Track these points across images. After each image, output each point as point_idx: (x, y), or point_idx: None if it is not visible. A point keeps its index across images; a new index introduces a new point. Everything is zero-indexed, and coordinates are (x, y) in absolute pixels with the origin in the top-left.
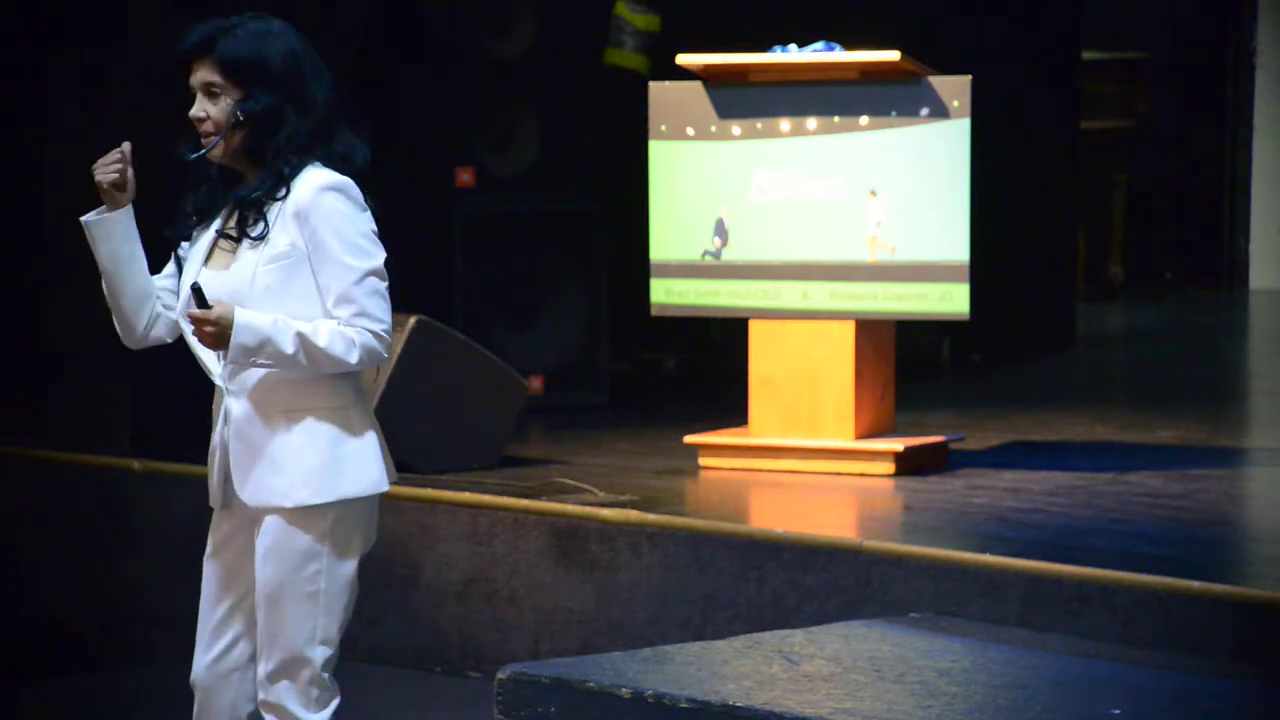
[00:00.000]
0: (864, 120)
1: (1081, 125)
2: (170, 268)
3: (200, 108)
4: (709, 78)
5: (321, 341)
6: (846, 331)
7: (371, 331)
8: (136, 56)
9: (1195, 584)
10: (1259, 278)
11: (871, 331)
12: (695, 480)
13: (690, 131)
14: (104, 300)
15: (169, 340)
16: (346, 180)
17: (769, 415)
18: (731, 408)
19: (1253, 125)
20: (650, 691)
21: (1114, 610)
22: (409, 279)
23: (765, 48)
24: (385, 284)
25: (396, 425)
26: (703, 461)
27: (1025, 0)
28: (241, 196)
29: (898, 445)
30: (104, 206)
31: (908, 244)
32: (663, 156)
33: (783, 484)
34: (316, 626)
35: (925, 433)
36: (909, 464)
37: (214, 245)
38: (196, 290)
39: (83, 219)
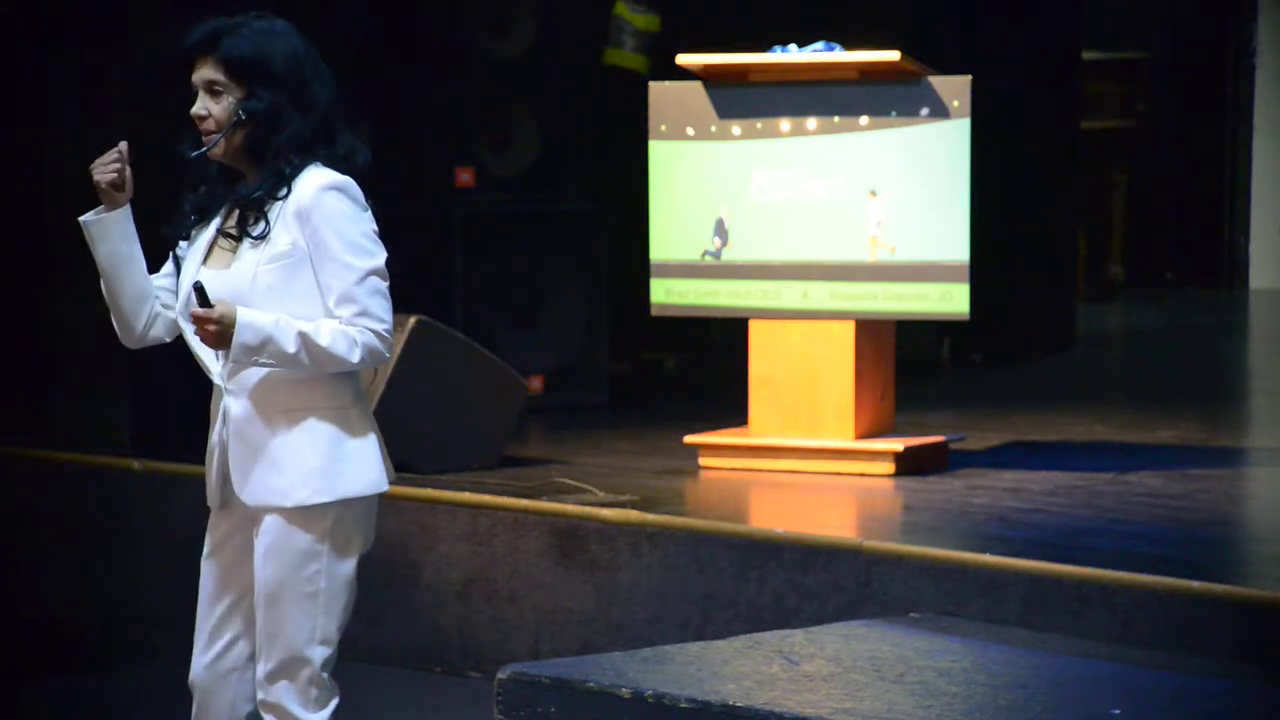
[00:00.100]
0: (864, 120)
1: (1081, 125)
2: (168, 267)
3: (202, 105)
4: (709, 78)
5: (324, 341)
6: (846, 331)
7: (373, 331)
8: (136, 56)
9: (1195, 584)
10: (1259, 278)
11: (871, 331)
12: (695, 480)
13: (690, 131)
14: (104, 300)
15: (167, 340)
16: (348, 180)
17: (769, 415)
18: (731, 408)
19: (1253, 125)
20: (650, 691)
21: (1114, 610)
22: (409, 279)
23: (765, 48)
24: (386, 284)
25: (396, 425)
26: (703, 461)
27: (1025, 0)
28: (242, 196)
29: (898, 445)
30: (102, 206)
31: (908, 244)
32: (663, 156)
33: (783, 484)
34: (316, 626)
35: (925, 433)
36: (909, 464)
37: (213, 244)
38: (199, 289)
39: (81, 219)
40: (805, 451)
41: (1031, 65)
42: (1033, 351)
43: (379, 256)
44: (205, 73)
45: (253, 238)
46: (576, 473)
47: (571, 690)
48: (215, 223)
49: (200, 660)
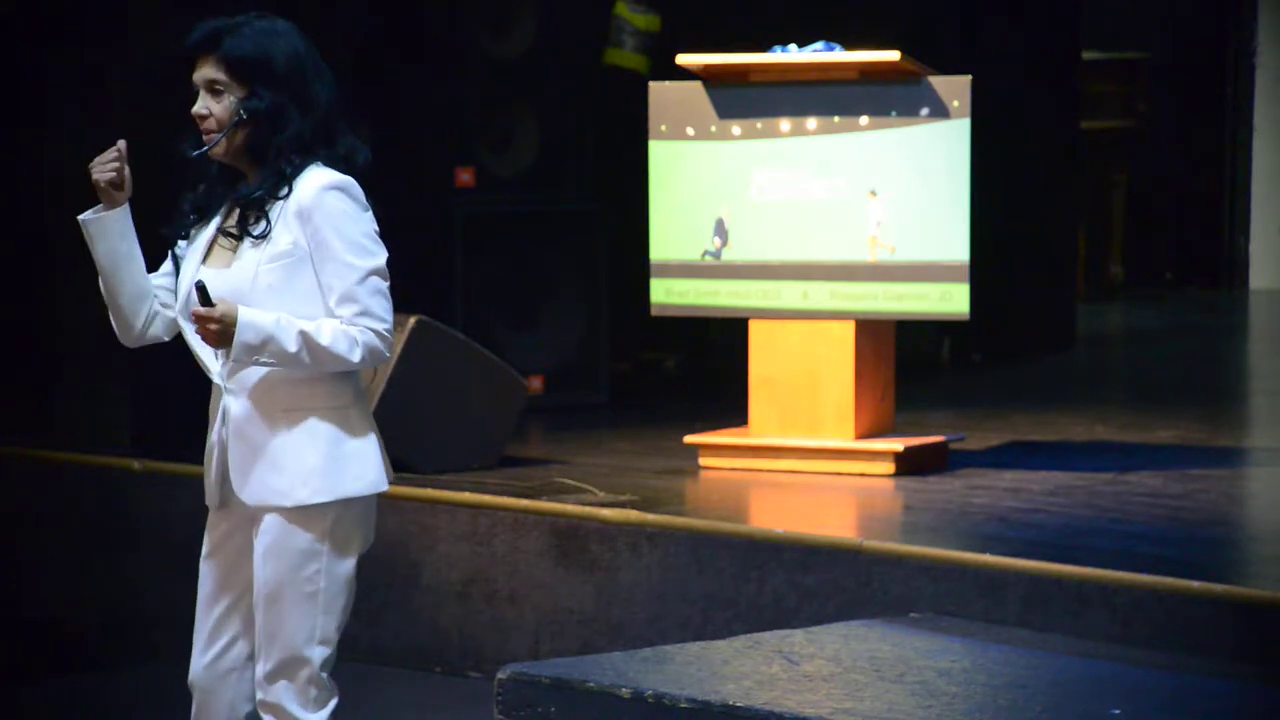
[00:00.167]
0: (864, 120)
1: (1081, 125)
2: (167, 266)
3: (203, 105)
4: (709, 78)
5: (325, 340)
6: (846, 331)
7: (374, 331)
8: (136, 56)
9: (1195, 584)
10: (1259, 278)
11: (871, 331)
12: (695, 480)
13: (690, 131)
14: (103, 300)
15: (166, 339)
16: (349, 180)
17: (769, 415)
18: (731, 408)
19: (1253, 125)
20: (650, 691)
21: (1114, 610)
22: (409, 279)
23: (765, 48)
24: (387, 283)
25: (396, 425)
26: (703, 461)
27: (1025, 0)
28: (243, 195)
29: (898, 445)
30: (101, 205)
31: (908, 244)
32: (663, 156)
33: (783, 484)
34: (315, 626)
35: (925, 433)
36: (909, 464)
37: (213, 243)
38: (201, 288)
39: (80, 217)
40: (805, 451)
41: (1031, 65)
42: (1033, 351)
43: (380, 256)
44: (206, 72)
45: (254, 237)
46: (576, 473)
47: (571, 690)
48: (215, 222)
49: (199, 660)
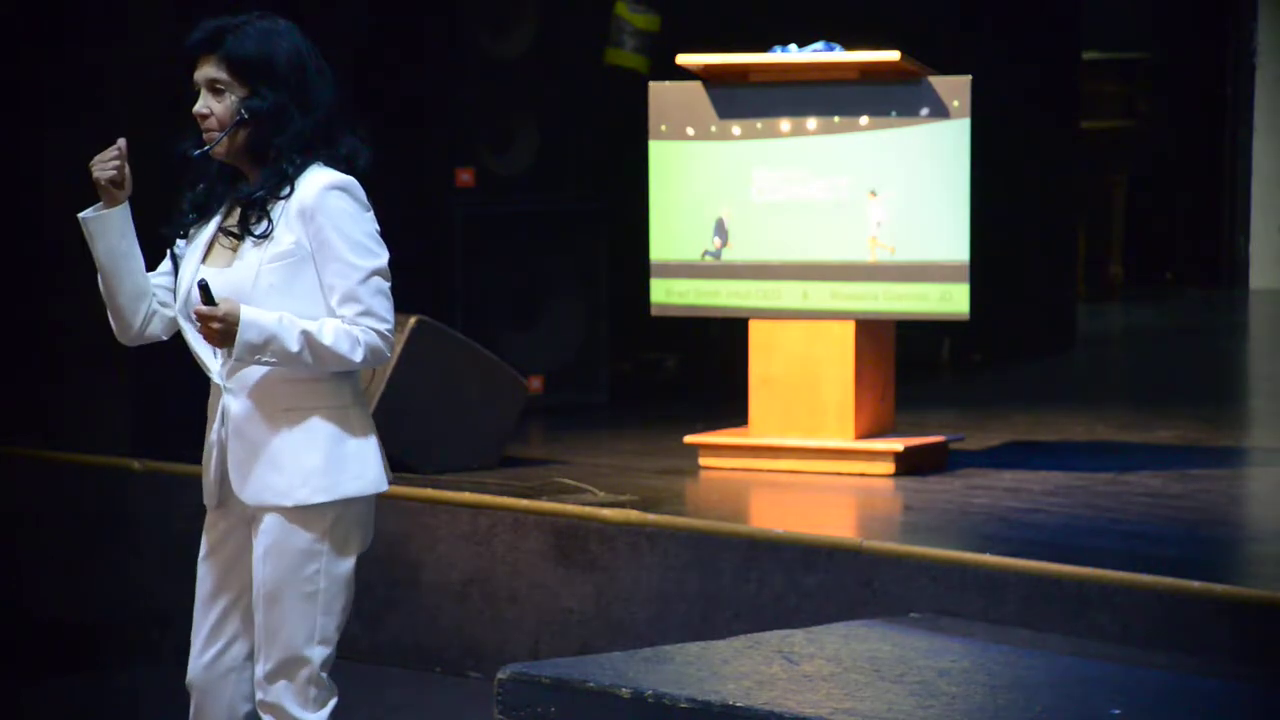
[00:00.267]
0: (864, 120)
1: (1081, 125)
2: (166, 265)
3: (204, 104)
4: (709, 78)
5: (327, 340)
6: (846, 331)
7: (376, 331)
8: (136, 56)
9: (1195, 584)
10: (1259, 278)
11: (871, 331)
12: (695, 480)
13: (690, 131)
14: (103, 299)
15: (164, 338)
16: (351, 180)
17: (769, 415)
18: (731, 408)
19: (1253, 125)
20: (650, 691)
21: (1114, 610)
22: (409, 279)
23: (765, 48)
24: (389, 284)
25: (396, 425)
26: (703, 461)
27: (1025, 0)
28: (245, 195)
29: (898, 445)
30: (101, 203)
31: (908, 244)
32: (663, 156)
33: (783, 484)
34: (315, 626)
35: (925, 433)
36: (909, 464)
37: (213, 242)
38: (203, 287)
39: (80, 215)
40: (805, 451)
41: (1031, 65)
42: (1033, 351)
43: (382, 256)
44: (208, 71)
45: (255, 236)
46: (576, 473)
47: (571, 690)
48: (215, 221)
49: (198, 660)
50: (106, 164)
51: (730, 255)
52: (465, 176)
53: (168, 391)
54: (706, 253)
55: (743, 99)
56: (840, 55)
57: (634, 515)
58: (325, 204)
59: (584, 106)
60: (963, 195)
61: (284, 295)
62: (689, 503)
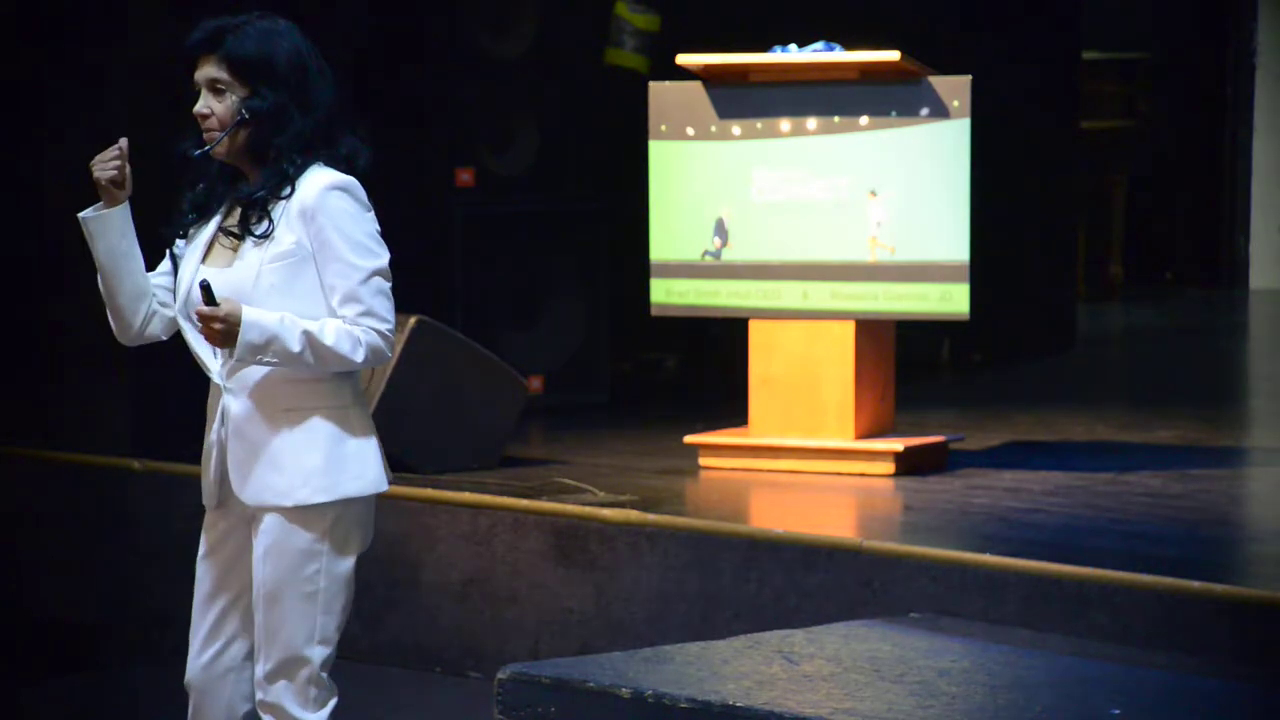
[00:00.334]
0: (864, 120)
1: (1081, 125)
2: (165, 265)
3: (204, 104)
4: (709, 78)
5: (328, 340)
6: (846, 331)
7: (377, 331)
8: (136, 56)
9: (1195, 584)
10: (1259, 278)
11: (871, 331)
12: (695, 480)
13: (690, 131)
14: (103, 298)
15: (164, 338)
16: (352, 180)
17: (769, 415)
18: (731, 408)
19: (1253, 125)
20: (650, 691)
21: (1114, 610)
22: (409, 279)
23: (765, 48)
24: (390, 284)
25: (396, 425)
26: (703, 461)
27: (1025, 0)
28: (246, 195)
29: (898, 445)
30: (101, 203)
31: (908, 244)
32: (663, 156)
33: (783, 484)
34: (315, 626)
35: (925, 433)
36: (909, 464)
37: (212, 242)
38: (205, 287)
39: (80, 215)
40: (805, 451)
41: (1031, 65)
42: (1033, 351)
43: (383, 257)
44: (208, 71)
45: (256, 236)
46: (576, 473)
47: (571, 690)
48: (215, 221)
49: (197, 661)
50: (107, 164)
51: (730, 255)
52: (465, 176)
53: (168, 391)
54: (706, 253)
55: (743, 99)
56: (840, 55)
57: (634, 515)
58: (326, 204)
59: (584, 106)
60: (963, 195)
61: (285, 295)
62: (689, 503)
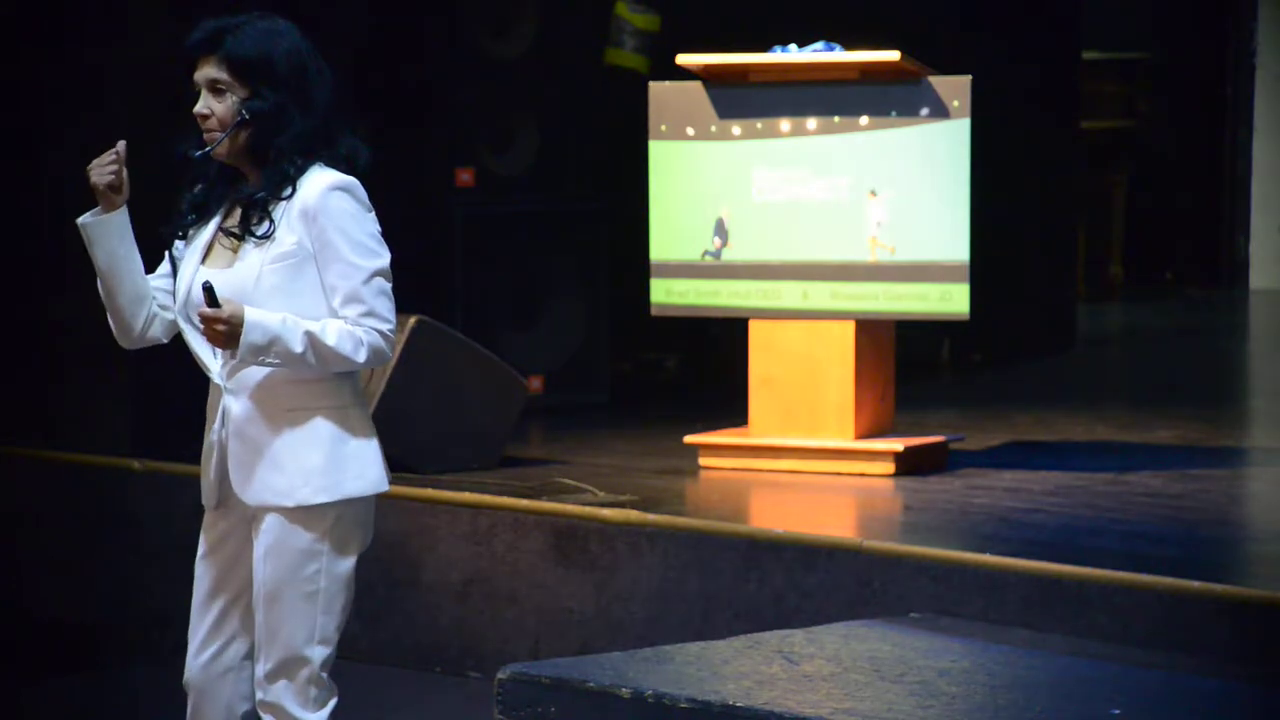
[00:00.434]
0: (864, 120)
1: (1081, 125)
2: (164, 267)
3: (204, 104)
4: (709, 78)
5: (330, 340)
6: (846, 331)
7: (378, 331)
8: (136, 56)
9: (1195, 584)
10: (1259, 278)
11: (871, 331)
12: (695, 480)
13: (690, 131)
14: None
15: (164, 340)
16: (353, 180)
17: (769, 415)
18: (731, 408)
19: (1253, 125)
20: (650, 691)
21: (1114, 610)
22: (409, 279)
23: (765, 48)
24: (390, 284)
25: (396, 425)
26: (703, 461)
27: (1025, 0)
28: (247, 195)
29: (898, 445)
30: (99, 208)
31: (908, 244)
32: (663, 156)
33: (783, 484)
34: (315, 626)
35: (925, 433)
36: (909, 464)
37: (212, 243)
38: (208, 289)
39: (79, 221)
40: (805, 451)
41: (1031, 65)
42: (1033, 351)
43: (384, 257)
44: (208, 72)
45: (257, 237)
46: (576, 473)
47: (571, 690)
48: (214, 222)
49: (196, 661)
50: (104, 168)
51: (730, 255)
52: (465, 176)
53: (168, 391)
54: (706, 253)
55: (743, 99)
56: (840, 55)
57: (634, 515)
58: (328, 205)
59: (584, 106)
60: (963, 195)
61: (286, 296)
62: (689, 503)
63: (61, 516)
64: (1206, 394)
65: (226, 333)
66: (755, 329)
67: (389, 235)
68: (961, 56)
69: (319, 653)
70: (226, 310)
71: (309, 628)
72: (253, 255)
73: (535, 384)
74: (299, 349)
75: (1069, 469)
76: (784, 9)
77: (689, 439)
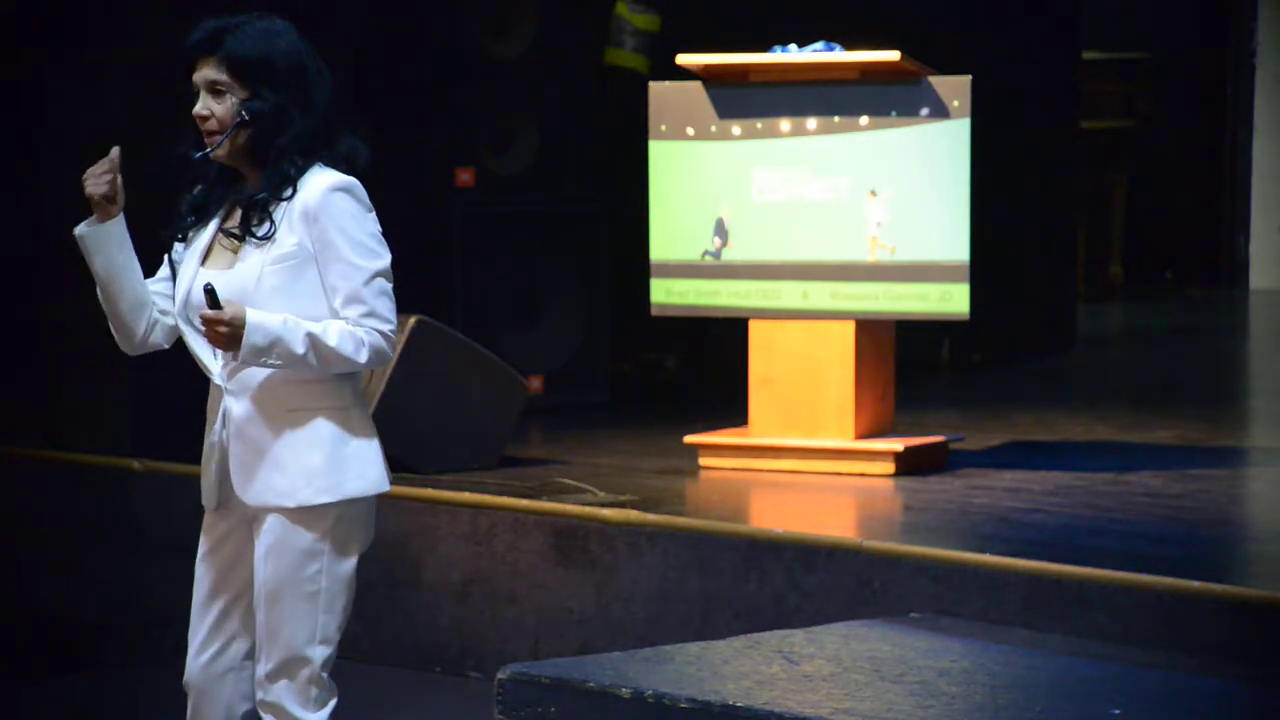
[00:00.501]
0: (864, 120)
1: (1081, 125)
2: (163, 271)
3: (204, 105)
4: (709, 78)
5: (331, 341)
6: (846, 331)
7: (379, 331)
8: (136, 56)
9: (1195, 584)
10: (1259, 278)
11: (871, 331)
12: (695, 480)
13: (690, 131)
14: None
15: (166, 345)
16: (354, 181)
17: (769, 415)
18: (731, 408)
19: (1253, 125)
20: (650, 691)
21: (1114, 610)
22: (409, 279)
23: (765, 48)
24: (391, 284)
25: (396, 425)
26: (703, 461)
27: (1025, 0)
28: (247, 196)
29: (898, 445)
30: (94, 217)
31: (908, 244)
32: (663, 156)
33: (783, 484)
34: (316, 626)
35: (925, 433)
36: (909, 464)
37: (212, 244)
38: (210, 291)
39: (76, 231)
40: (805, 451)
41: (1031, 65)
42: (1033, 351)
43: (385, 257)
44: (208, 73)
45: (257, 238)
46: (576, 473)
47: (571, 690)
48: (214, 223)
49: (195, 661)
50: (99, 178)
51: (730, 255)
52: (465, 176)
53: (168, 392)
54: (706, 253)
55: (743, 99)
56: (840, 55)
57: (634, 515)
58: (329, 205)
59: (584, 106)
60: (963, 195)
61: (286, 297)
62: (689, 503)
63: (62, 516)
64: (1206, 394)
65: (228, 334)
66: (755, 329)
67: (389, 235)
68: (961, 56)
69: (320, 653)
70: (228, 312)
71: (310, 628)
72: (253, 256)
73: (535, 384)
74: (300, 350)
75: (1069, 469)
76: (784, 9)
77: (689, 439)
